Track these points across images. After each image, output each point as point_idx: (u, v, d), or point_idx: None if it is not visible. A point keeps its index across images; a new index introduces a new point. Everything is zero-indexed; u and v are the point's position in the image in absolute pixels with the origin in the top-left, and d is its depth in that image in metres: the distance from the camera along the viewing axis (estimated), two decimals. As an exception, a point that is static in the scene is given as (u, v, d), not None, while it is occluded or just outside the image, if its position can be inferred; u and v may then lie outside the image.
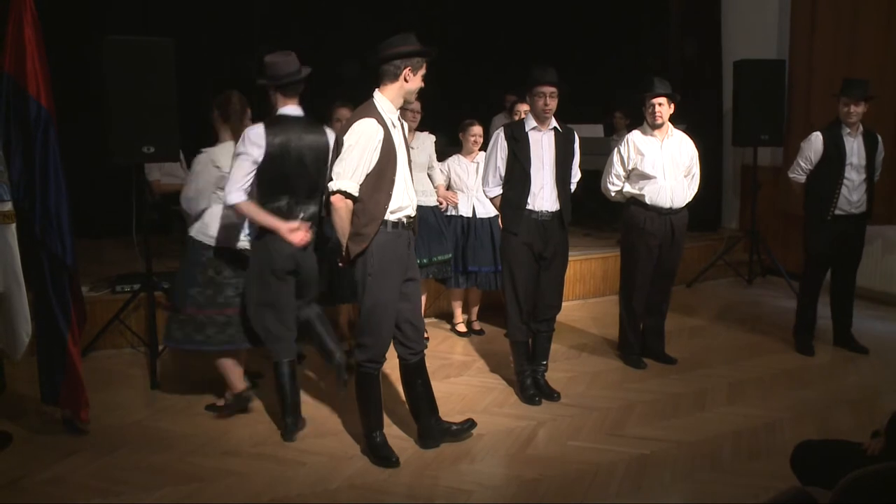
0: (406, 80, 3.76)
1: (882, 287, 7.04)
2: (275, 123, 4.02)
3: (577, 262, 7.13)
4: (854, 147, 5.41)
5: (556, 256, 4.68)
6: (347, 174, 3.66)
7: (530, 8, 9.35)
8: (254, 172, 3.97)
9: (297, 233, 4.00)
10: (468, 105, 7.62)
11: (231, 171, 3.97)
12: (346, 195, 3.69)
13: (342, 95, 5.37)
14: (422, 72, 3.79)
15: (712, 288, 7.81)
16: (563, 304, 4.91)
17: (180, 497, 3.63)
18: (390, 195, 3.75)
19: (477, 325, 6.31)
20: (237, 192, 3.91)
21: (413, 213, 3.93)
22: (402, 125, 3.92)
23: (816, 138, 5.49)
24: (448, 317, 6.50)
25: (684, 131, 5.42)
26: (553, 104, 4.54)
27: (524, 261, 4.63)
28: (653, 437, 4.26)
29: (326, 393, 4.92)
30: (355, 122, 3.71)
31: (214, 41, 7.88)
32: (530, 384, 4.80)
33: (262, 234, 4.09)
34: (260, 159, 3.95)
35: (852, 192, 5.42)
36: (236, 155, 3.97)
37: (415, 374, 4.08)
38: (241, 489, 3.71)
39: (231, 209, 4.03)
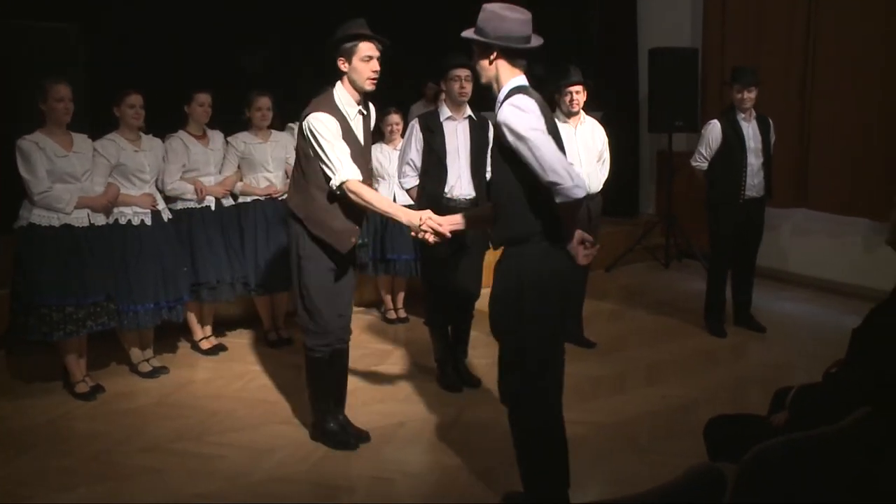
0: (345, 70, 3.69)
1: (789, 268, 7.31)
2: (529, 93, 3.07)
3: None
4: (750, 131, 5.59)
5: (474, 244, 4.69)
6: (340, 164, 3.58)
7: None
8: None
9: (580, 248, 3.12)
10: (386, 93, 7.53)
11: (549, 153, 2.91)
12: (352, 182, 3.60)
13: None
14: (358, 55, 3.63)
15: (630, 272, 7.95)
16: (482, 290, 4.93)
17: (95, 497, 3.53)
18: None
19: (402, 313, 6.31)
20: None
21: None
22: (363, 117, 3.85)
23: (714, 125, 5.65)
24: (372, 304, 6.48)
25: (601, 119, 5.49)
26: (468, 87, 4.54)
27: (442, 249, 4.63)
28: (573, 419, 4.27)
29: (246, 386, 4.86)
30: (308, 115, 3.64)
31: (129, 26, 7.61)
32: (450, 371, 4.82)
33: (547, 255, 3.08)
34: None
35: (753, 176, 5.59)
36: (537, 134, 2.93)
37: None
38: (160, 486, 3.63)
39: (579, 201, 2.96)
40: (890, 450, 2.11)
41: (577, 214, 3.00)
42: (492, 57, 3.07)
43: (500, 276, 3.16)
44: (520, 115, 2.94)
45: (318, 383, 3.98)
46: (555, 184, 2.87)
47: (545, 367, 3.15)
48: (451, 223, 3.51)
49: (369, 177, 3.93)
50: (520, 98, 2.99)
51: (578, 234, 3.08)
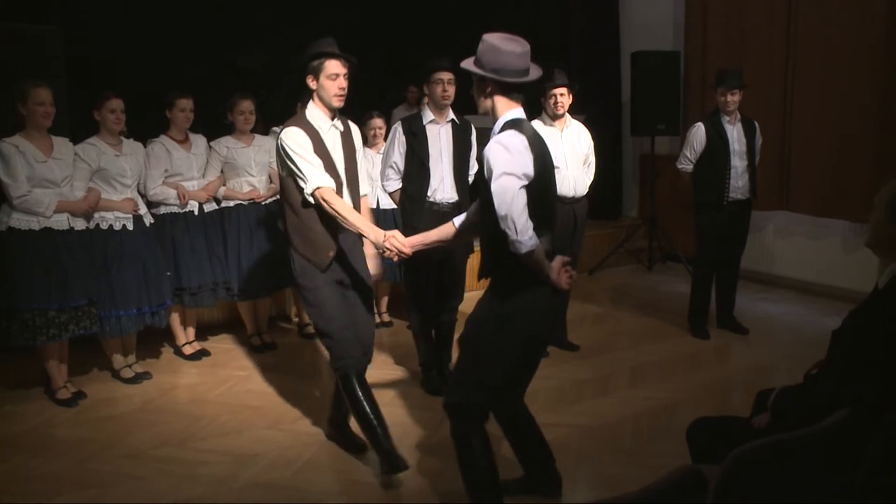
0: (314, 88, 3.68)
1: (773, 270, 7.36)
2: (521, 129, 2.99)
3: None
4: (735, 134, 5.63)
5: (457, 248, 4.69)
6: (311, 173, 3.57)
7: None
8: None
9: (563, 274, 3.04)
10: (368, 98, 7.54)
11: (506, 201, 2.83)
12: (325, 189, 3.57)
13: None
14: (325, 73, 3.62)
15: (614, 275, 7.98)
16: (466, 294, 4.94)
17: (77, 504, 3.51)
18: None
19: (386, 318, 6.32)
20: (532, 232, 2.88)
21: None
22: (340, 132, 3.82)
23: (699, 128, 5.68)
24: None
25: (584, 122, 5.52)
26: (451, 91, 4.56)
27: (426, 253, 4.62)
28: (557, 422, 4.34)
29: (229, 391, 4.84)
30: (281, 132, 3.65)
31: (111, 29, 7.56)
32: (434, 375, 4.82)
33: (522, 288, 3.02)
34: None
35: (737, 178, 5.63)
36: (505, 179, 2.85)
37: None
38: (142, 492, 3.61)
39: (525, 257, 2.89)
40: (870, 450, 2.13)
41: (530, 266, 2.93)
42: (488, 90, 3.02)
43: (481, 299, 3.17)
44: (500, 153, 2.87)
45: (357, 406, 3.76)
46: (503, 231, 2.84)
47: (491, 388, 3.11)
48: (413, 244, 3.51)
49: (356, 190, 3.90)
50: (509, 136, 2.92)
51: (558, 259, 3.04)
